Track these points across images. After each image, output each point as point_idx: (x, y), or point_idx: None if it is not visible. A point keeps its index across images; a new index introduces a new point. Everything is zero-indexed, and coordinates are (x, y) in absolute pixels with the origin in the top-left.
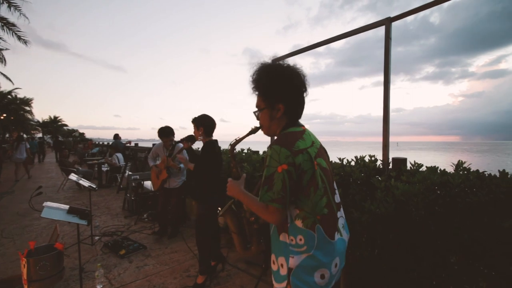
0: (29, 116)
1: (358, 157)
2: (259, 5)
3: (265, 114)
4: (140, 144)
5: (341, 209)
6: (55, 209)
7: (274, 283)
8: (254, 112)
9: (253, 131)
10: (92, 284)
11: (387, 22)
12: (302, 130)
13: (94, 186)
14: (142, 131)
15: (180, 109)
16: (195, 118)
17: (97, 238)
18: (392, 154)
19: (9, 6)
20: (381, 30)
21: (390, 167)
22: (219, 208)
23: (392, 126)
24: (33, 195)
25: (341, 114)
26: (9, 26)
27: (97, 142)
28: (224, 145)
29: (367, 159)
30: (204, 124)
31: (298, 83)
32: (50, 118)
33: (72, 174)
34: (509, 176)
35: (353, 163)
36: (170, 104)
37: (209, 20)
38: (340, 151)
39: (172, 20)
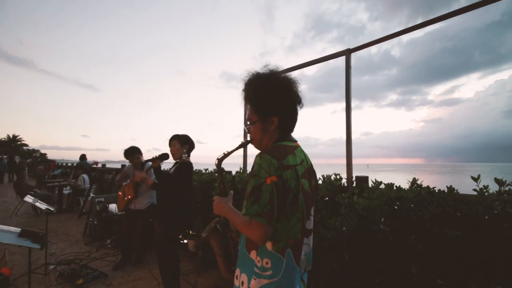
0: None
1: (325, 175)
2: (236, 31)
3: (257, 127)
4: (109, 165)
5: (310, 236)
6: (4, 232)
7: None
8: (245, 125)
9: (243, 145)
10: None
11: (347, 53)
12: (294, 146)
13: (52, 209)
14: (112, 152)
15: (155, 130)
16: (179, 135)
17: (51, 267)
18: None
19: None
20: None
21: (354, 185)
22: (190, 231)
23: (361, 148)
24: None
25: (315, 137)
26: None
27: (60, 164)
28: (198, 167)
29: (333, 177)
30: (188, 142)
31: (293, 95)
32: (8, 137)
33: (28, 196)
34: (455, 191)
35: (320, 182)
36: (144, 124)
37: (186, 42)
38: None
39: (148, 41)
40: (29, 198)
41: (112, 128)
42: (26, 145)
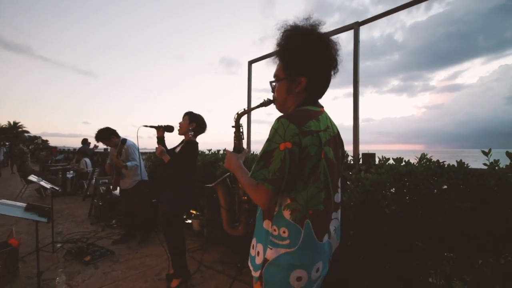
0: None
1: None
2: (235, 16)
3: (282, 86)
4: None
5: (339, 211)
6: (10, 206)
7: (251, 268)
8: (271, 82)
9: (265, 103)
10: None
11: (355, 26)
12: (319, 111)
13: (57, 188)
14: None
15: (155, 117)
16: (193, 113)
17: (59, 245)
18: None
19: None
20: (351, 45)
21: (360, 162)
22: (192, 212)
23: (363, 135)
24: None
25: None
26: None
27: (62, 149)
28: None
29: None
30: (198, 121)
31: (329, 57)
32: (9, 123)
33: (32, 175)
34: (465, 165)
35: None
36: (144, 111)
37: (185, 28)
38: None
39: (147, 27)
40: (33, 177)
41: (113, 114)
42: (27, 131)
